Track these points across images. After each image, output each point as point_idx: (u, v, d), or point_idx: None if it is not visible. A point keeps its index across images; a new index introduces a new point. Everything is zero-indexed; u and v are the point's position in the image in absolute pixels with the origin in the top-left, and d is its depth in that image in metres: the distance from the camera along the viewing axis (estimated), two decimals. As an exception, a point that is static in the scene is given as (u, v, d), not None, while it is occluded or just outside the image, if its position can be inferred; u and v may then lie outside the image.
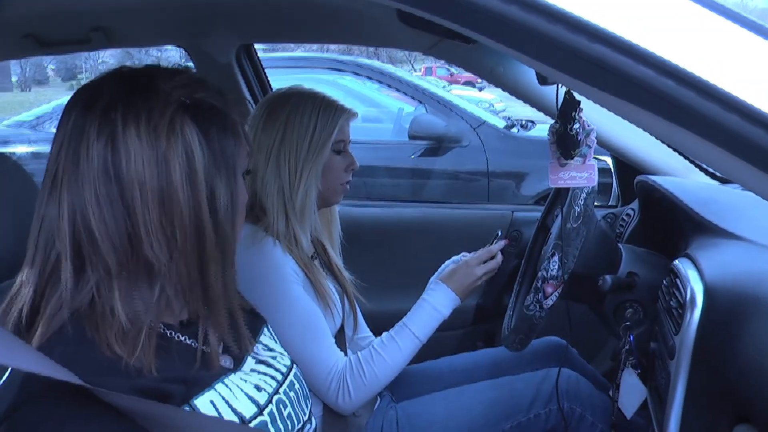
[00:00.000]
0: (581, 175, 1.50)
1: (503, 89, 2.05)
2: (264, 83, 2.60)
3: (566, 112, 1.42)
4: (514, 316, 1.78)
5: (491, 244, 1.81)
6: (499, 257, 1.76)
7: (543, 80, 1.45)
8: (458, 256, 1.89)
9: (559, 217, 1.66)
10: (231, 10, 1.85)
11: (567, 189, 1.59)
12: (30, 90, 32.67)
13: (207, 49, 2.14)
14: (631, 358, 1.61)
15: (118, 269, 0.87)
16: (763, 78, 0.61)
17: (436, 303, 1.68)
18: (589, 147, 1.47)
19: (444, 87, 10.30)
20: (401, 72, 6.38)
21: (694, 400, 1.22)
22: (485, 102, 13.73)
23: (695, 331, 1.21)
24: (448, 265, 1.88)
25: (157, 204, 0.87)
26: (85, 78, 27.08)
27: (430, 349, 2.11)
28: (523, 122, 5.38)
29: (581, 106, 1.41)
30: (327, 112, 1.63)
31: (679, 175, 2.08)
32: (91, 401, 0.78)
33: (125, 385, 0.82)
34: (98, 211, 0.86)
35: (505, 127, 5.13)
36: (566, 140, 1.44)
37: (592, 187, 1.55)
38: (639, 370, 1.59)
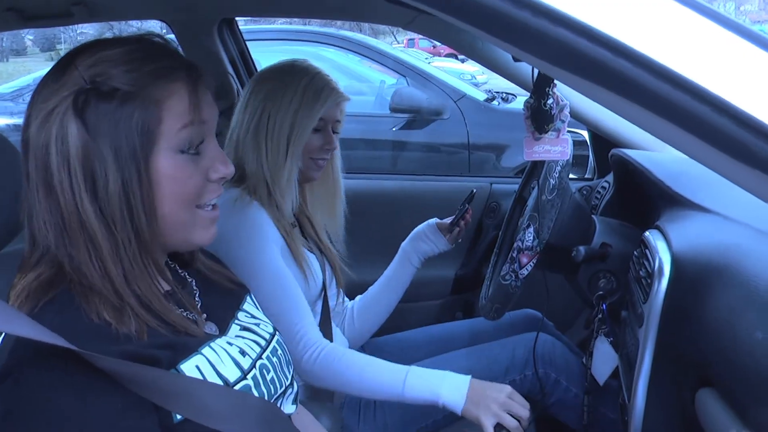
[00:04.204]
0: (555, 148, 1.53)
1: (481, 63, 2.07)
2: (246, 57, 2.61)
3: (540, 88, 1.45)
4: (491, 286, 1.82)
5: (464, 206, 1.82)
6: (527, 413, 1.48)
7: (516, 56, 1.48)
8: (433, 221, 1.94)
9: (536, 189, 1.70)
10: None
11: (543, 162, 1.62)
12: (8, 60, 32.22)
13: (189, 23, 2.14)
14: (604, 326, 1.66)
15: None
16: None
17: (443, 387, 1.48)
18: (563, 121, 1.51)
19: (426, 59, 10.27)
20: (383, 45, 6.36)
21: (660, 365, 1.27)
22: (467, 74, 13.72)
23: (662, 300, 1.25)
24: (421, 228, 1.93)
25: (42, 188, 0.91)
26: (63, 48, 26.71)
27: (409, 319, 2.16)
28: (504, 95, 5.41)
29: (555, 81, 1.45)
30: (316, 89, 1.63)
31: (653, 149, 2.12)
32: (81, 366, 0.81)
33: (114, 350, 0.84)
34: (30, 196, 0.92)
35: (486, 100, 5.16)
36: (540, 115, 1.47)
37: (567, 160, 1.58)
38: (611, 339, 1.64)
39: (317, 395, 1.67)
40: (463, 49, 2.03)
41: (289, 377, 1.15)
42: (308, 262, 1.67)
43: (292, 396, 1.16)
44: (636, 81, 0.63)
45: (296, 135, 1.61)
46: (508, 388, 1.49)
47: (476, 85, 8.72)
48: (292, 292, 1.58)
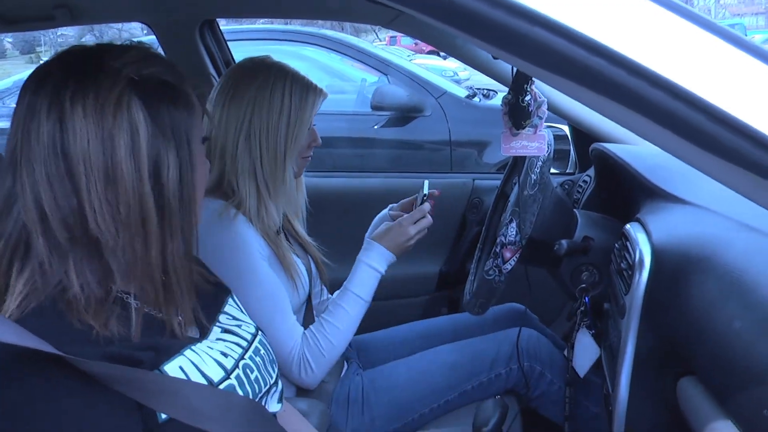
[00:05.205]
0: (532, 144, 1.55)
1: (462, 60, 2.09)
2: (228, 58, 2.60)
3: (518, 84, 1.47)
4: (475, 281, 1.84)
5: (420, 203, 1.82)
6: (429, 217, 1.77)
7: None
8: (386, 211, 1.95)
9: (517, 185, 1.71)
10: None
11: (524, 158, 1.64)
12: (-14, 64, 31.91)
13: (170, 25, 2.14)
14: (586, 319, 1.68)
15: (70, 244, 0.90)
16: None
17: (372, 262, 1.71)
18: (540, 118, 1.53)
19: (408, 56, 10.26)
20: (364, 43, 6.35)
21: (643, 356, 1.29)
22: (449, 71, 13.68)
23: (643, 291, 1.28)
24: (377, 222, 1.94)
25: (103, 180, 0.89)
26: (43, 50, 26.55)
27: (395, 316, 2.17)
28: (486, 91, 5.41)
29: (533, 78, 1.46)
30: (301, 93, 1.62)
31: (632, 142, 2.14)
32: (64, 370, 0.82)
33: (96, 353, 0.85)
34: (48, 189, 0.89)
35: (467, 97, 5.17)
36: (518, 111, 1.49)
37: (548, 155, 1.60)
38: (593, 331, 1.66)
39: (305, 393, 1.68)
40: (443, 46, 2.05)
41: (274, 376, 1.16)
42: (296, 269, 1.68)
43: (277, 394, 1.17)
44: (613, 79, 0.65)
45: (292, 142, 1.61)
46: (408, 227, 1.74)
47: (458, 81, 8.73)
48: (282, 308, 1.61)
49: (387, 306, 1.93)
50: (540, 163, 1.59)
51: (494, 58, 1.51)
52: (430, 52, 18.46)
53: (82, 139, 0.88)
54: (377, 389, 1.75)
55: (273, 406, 1.14)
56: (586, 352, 1.67)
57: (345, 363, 1.84)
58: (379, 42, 19.85)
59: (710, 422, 1.03)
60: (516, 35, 0.62)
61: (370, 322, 1.87)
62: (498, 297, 1.67)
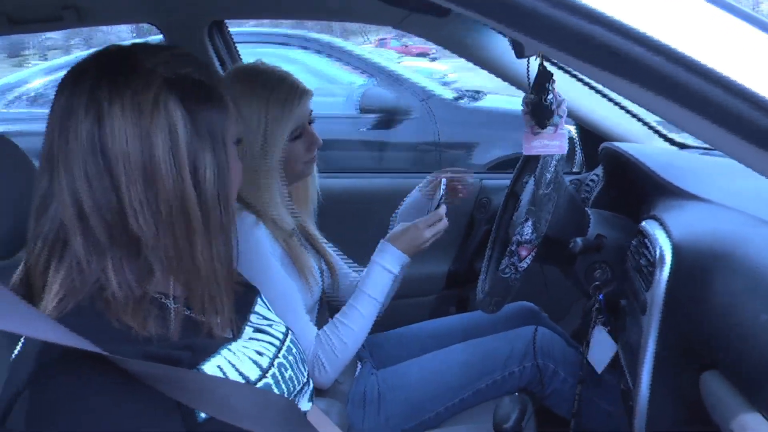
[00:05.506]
0: (553, 143, 1.57)
1: (472, 61, 2.09)
2: (236, 60, 2.59)
3: (540, 84, 1.49)
4: (488, 280, 1.85)
5: (437, 204, 1.84)
6: (446, 220, 1.78)
7: (520, 53, 1.51)
8: (416, 192, 1.99)
9: (529, 184, 1.73)
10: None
11: (537, 157, 1.65)
12: (-27, 67, 31.67)
13: (179, 26, 2.14)
14: (601, 316, 1.70)
15: (109, 242, 0.91)
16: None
17: (385, 263, 1.72)
18: (560, 116, 1.55)
19: (396, 59, 10.27)
20: (351, 45, 6.38)
21: (664, 350, 1.30)
22: (438, 73, 13.70)
23: (665, 287, 1.29)
24: (408, 205, 1.97)
25: (142, 179, 0.90)
26: (30, 54, 26.35)
27: (404, 316, 2.18)
28: (473, 93, 5.46)
29: (554, 78, 1.48)
30: (278, 105, 1.60)
31: (640, 142, 2.16)
32: (107, 369, 0.82)
33: (137, 352, 0.86)
34: (87, 187, 0.89)
35: (455, 99, 5.21)
36: (541, 110, 1.51)
37: (562, 154, 1.62)
38: (608, 328, 1.68)
39: (319, 393, 1.69)
40: (452, 47, 2.05)
41: (305, 375, 1.17)
42: (310, 269, 1.69)
43: (308, 393, 1.17)
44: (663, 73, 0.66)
45: (270, 152, 1.60)
46: (423, 229, 1.74)
47: (446, 83, 8.76)
48: (294, 308, 1.62)
49: (394, 306, 1.93)
50: (554, 161, 1.60)
51: (517, 56, 1.52)
52: (418, 54, 18.49)
53: (121, 138, 0.89)
54: (392, 388, 1.76)
55: (304, 405, 1.15)
56: (603, 348, 1.69)
57: (359, 363, 1.84)
58: (369, 44, 19.81)
59: (737, 415, 1.04)
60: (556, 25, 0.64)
61: (379, 321, 1.88)
62: (513, 295, 1.68)
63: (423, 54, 18.28)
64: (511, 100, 5.98)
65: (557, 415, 1.84)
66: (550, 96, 1.50)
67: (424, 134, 4.96)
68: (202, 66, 0.99)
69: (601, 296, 1.69)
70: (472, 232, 2.64)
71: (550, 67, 1.48)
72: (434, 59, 16.29)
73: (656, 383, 1.32)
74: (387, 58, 7.05)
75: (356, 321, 1.67)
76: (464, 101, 5.24)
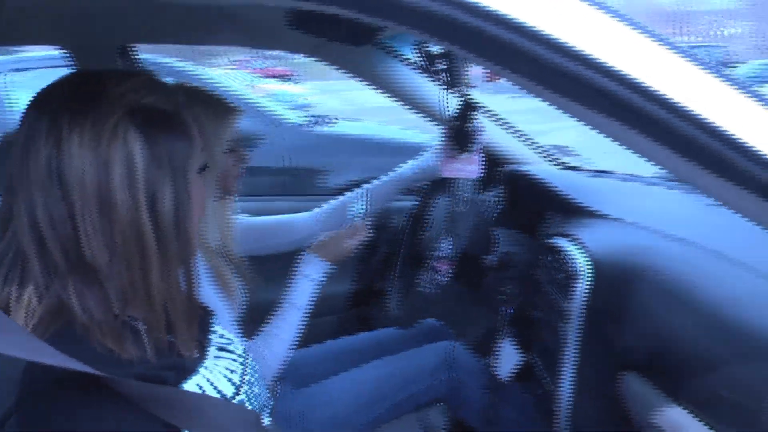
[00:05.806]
0: (470, 167, 1.68)
1: (386, 93, 2.14)
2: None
3: (465, 113, 1.59)
4: (402, 296, 1.92)
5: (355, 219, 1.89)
6: (369, 229, 1.84)
7: (451, 86, 1.61)
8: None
9: (440, 204, 1.82)
10: (111, 10, 1.80)
11: (445, 179, 1.75)
12: None
13: (89, 50, 2.08)
14: (510, 328, 1.81)
15: (67, 268, 0.90)
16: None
17: (310, 273, 1.75)
18: (479, 143, 1.66)
19: (249, 83, 10.11)
20: (199, 69, 6.26)
21: (585, 355, 1.42)
22: (298, 96, 13.72)
23: (584, 298, 1.41)
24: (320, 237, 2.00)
25: (97, 207, 0.89)
26: None
27: (310, 335, 2.20)
28: (327, 119, 5.51)
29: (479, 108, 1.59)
30: (217, 119, 1.66)
31: (529, 164, 2.30)
32: (98, 390, 0.82)
33: (128, 374, 0.86)
34: (44, 212, 0.89)
35: (307, 124, 5.26)
36: (463, 136, 1.61)
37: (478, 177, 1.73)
38: (517, 339, 1.80)
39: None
40: (367, 77, 2.09)
41: (267, 391, 1.19)
42: (233, 286, 1.70)
43: (268, 409, 1.20)
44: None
45: (212, 167, 1.60)
46: (346, 239, 1.80)
47: (306, 106, 8.74)
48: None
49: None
50: (470, 182, 1.71)
51: (450, 89, 1.61)
52: (278, 76, 18.49)
53: (78, 166, 0.88)
54: (312, 407, 1.79)
55: (266, 420, 1.18)
56: (509, 358, 1.80)
57: (278, 383, 1.86)
58: (226, 67, 19.63)
59: (660, 410, 1.16)
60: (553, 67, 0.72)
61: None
62: (430, 309, 1.76)
63: (284, 76, 18.30)
64: (364, 126, 6.14)
65: (470, 426, 1.93)
66: (476, 123, 1.61)
67: (273, 160, 4.96)
68: (170, 94, 0.98)
69: (511, 310, 1.80)
70: (373, 252, 2.69)
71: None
72: (296, 82, 16.34)
73: (578, 386, 1.44)
74: (242, 81, 6.92)
75: (286, 332, 1.70)
76: (317, 127, 5.28)
